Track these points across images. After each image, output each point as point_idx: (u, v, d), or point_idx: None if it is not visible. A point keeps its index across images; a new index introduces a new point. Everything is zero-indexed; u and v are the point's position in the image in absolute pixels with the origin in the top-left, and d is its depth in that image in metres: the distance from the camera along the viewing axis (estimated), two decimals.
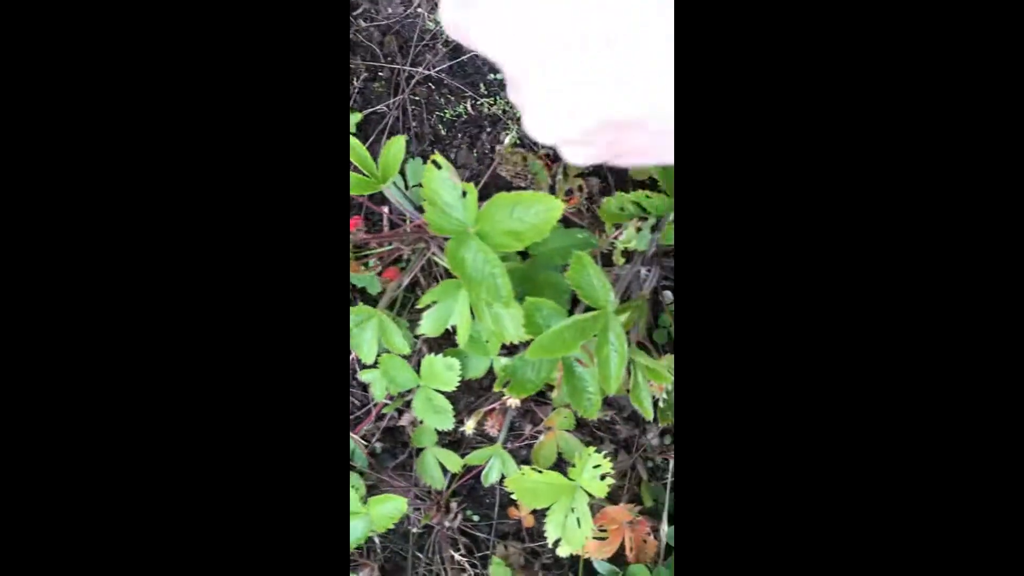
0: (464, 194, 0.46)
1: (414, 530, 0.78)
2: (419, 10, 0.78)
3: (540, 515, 0.79)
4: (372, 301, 0.77)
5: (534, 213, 0.40)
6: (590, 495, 0.58)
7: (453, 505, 0.76)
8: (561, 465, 0.71)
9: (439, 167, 0.48)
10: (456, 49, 0.77)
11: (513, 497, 0.60)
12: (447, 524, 0.75)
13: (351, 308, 0.61)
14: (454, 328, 0.64)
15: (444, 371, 0.62)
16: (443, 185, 0.46)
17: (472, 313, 0.56)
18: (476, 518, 0.78)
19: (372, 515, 0.62)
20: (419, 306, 0.55)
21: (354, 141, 0.58)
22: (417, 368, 0.66)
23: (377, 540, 0.80)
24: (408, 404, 0.78)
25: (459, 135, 0.78)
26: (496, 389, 0.50)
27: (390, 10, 0.78)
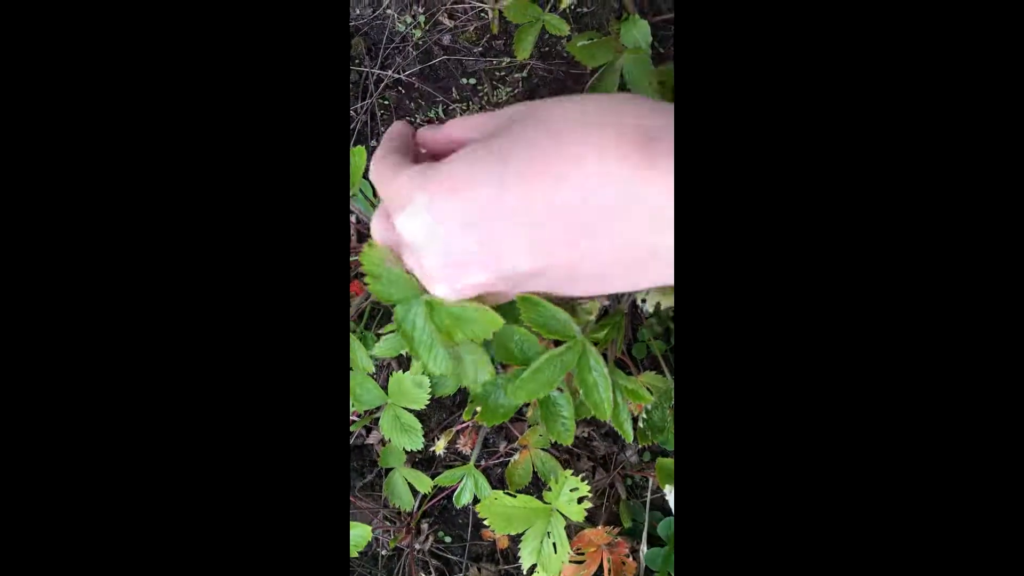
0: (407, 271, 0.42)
1: (383, 553, 0.75)
2: (388, 11, 0.75)
3: (515, 536, 0.77)
4: None
5: (477, 327, 0.37)
6: (567, 518, 0.55)
7: (424, 526, 0.73)
8: (537, 483, 0.68)
9: (372, 246, 0.44)
10: (427, 52, 0.74)
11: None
12: (417, 547, 0.72)
13: None
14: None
15: (413, 389, 0.59)
16: (384, 260, 0.43)
17: None
18: (448, 539, 0.75)
19: None
20: (382, 332, 0.52)
21: None
22: (384, 385, 0.63)
23: None
24: (376, 422, 0.75)
25: None
26: (466, 418, 0.47)
27: (358, 11, 0.75)
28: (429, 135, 0.34)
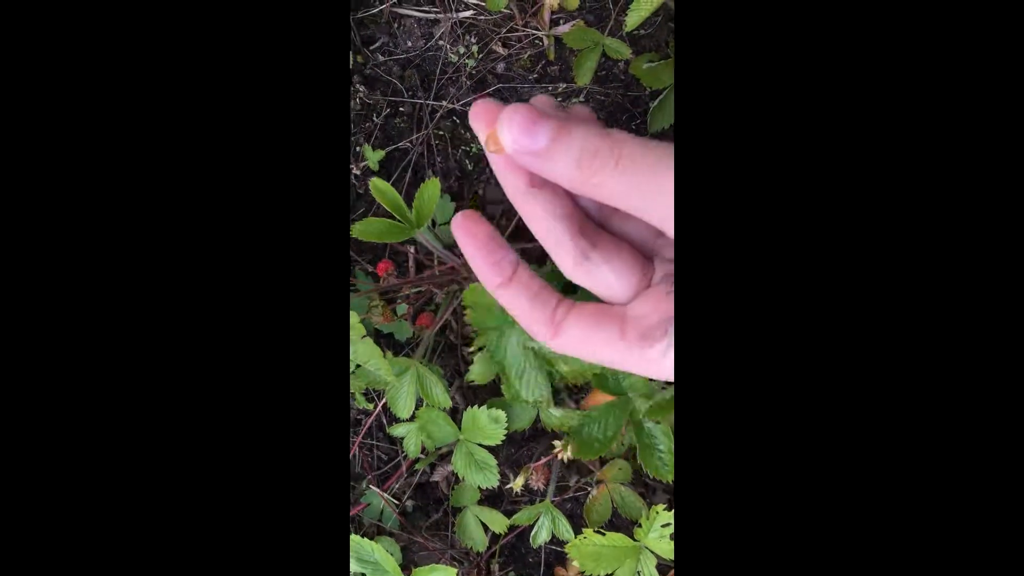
0: None
1: None
2: (440, 43, 0.75)
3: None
4: (399, 347, 0.73)
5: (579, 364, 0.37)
6: (658, 556, 0.52)
7: (495, 567, 0.70)
8: (614, 519, 0.66)
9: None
10: (481, 81, 0.74)
11: (566, 555, 0.55)
12: None
13: (386, 359, 0.56)
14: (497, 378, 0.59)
15: (489, 424, 0.57)
16: (483, 293, 0.43)
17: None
18: None
19: None
20: (471, 349, 0.50)
21: (382, 183, 0.54)
22: (454, 420, 0.61)
23: None
24: (441, 458, 0.73)
25: (487, 169, 0.74)
26: (561, 455, 0.45)
27: (410, 44, 0.75)
28: (572, 177, 0.25)
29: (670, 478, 0.45)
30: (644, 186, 0.23)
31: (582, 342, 0.26)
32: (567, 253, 0.26)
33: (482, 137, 0.26)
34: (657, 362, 0.24)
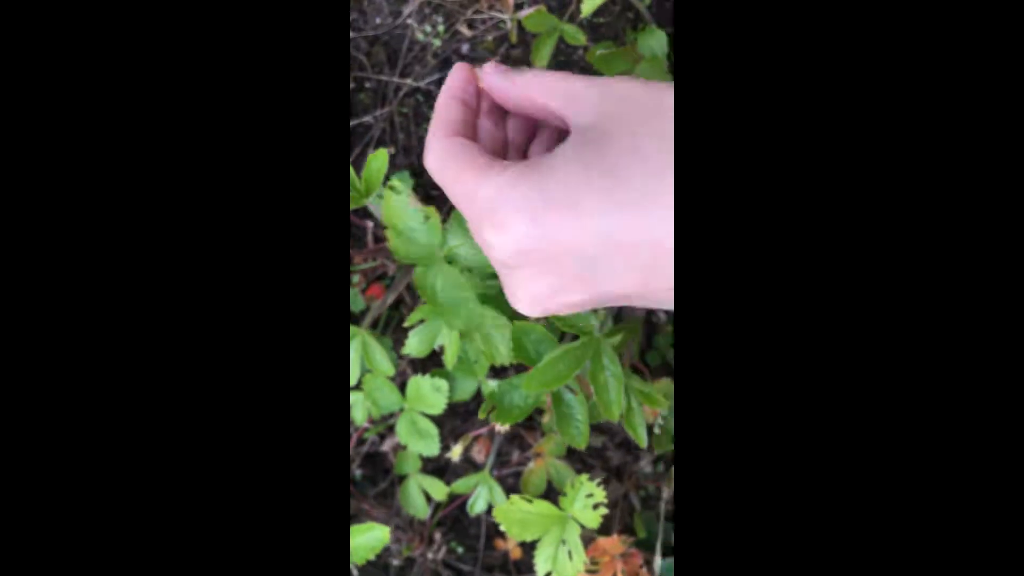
0: (427, 218, 0.44)
1: (395, 562, 0.74)
2: (408, 21, 0.76)
3: (528, 547, 0.76)
4: (354, 320, 0.74)
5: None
6: (582, 525, 0.55)
7: (437, 536, 0.72)
8: (550, 493, 0.68)
9: (397, 192, 0.46)
10: (446, 61, 0.75)
11: (501, 528, 0.57)
12: (430, 556, 0.71)
13: None
14: (441, 348, 0.61)
15: (431, 393, 0.59)
16: (404, 210, 0.44)
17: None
18: (460, 550, 0.74)
19: (351, 545, 0.58)
20: (406, 324, 0.52)
21: None
22: (402, 390, 0.63)
23: (356, 573, 0.76)
24: (390, 428, 0.75)
25: None
26: (482, 416, 0.47)
27: (378, 20, 0.77)
28: (502, 86, 0.29)
29: (583, 445, 0.46)
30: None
31: (450, 154, 0.28)
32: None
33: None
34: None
